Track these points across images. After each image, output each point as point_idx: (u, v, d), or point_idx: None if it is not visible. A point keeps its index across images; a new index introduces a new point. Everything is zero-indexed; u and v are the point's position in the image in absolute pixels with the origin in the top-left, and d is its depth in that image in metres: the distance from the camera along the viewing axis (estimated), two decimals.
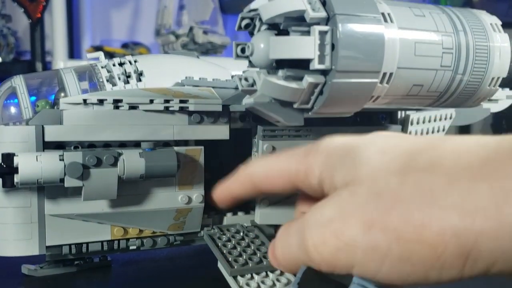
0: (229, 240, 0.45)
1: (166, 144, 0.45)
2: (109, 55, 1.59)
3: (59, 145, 0.42)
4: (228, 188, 0.35)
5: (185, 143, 0.46)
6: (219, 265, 0.42)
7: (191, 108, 0.44)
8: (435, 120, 0.58)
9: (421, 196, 0.24)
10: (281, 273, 0.41)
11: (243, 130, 0.48)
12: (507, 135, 0.25)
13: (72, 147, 0.42)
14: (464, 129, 1.68)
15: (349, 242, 0.26)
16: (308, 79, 0.35)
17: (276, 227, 0.51)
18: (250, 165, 0.35)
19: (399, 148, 0.28)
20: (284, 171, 0.33)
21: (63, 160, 0.39)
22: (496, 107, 0.69)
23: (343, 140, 0.31)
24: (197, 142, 0.46)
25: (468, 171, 0.24)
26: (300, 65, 0.36)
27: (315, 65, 0.34)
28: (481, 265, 0.24)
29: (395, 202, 0.25)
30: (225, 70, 0.52)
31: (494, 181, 0.23)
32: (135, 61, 0.48)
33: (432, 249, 0.24)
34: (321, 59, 0.34)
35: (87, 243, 0.44)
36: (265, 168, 0.34)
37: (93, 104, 0.42)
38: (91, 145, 0.43)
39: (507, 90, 0.69)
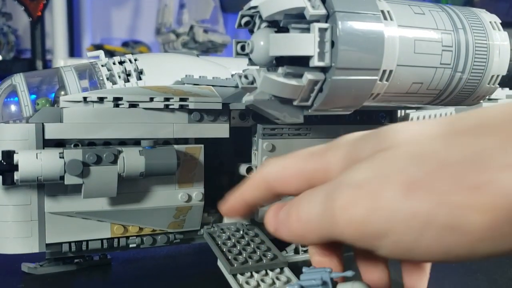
0: (229, 239, 0.45)
1: (166, 142, 0.45)
2: (110, 53, 1.59)
3: (59, 143, 0.42)
4: (241, 195, 0.32)
5: (185, 141, 0.46)
6: (219, 263, 0.42)
7: (191, 106, 0.44)
8: None
9: (473, 158, 0.22)
10: (281, 271, 0.41)
11: (243, 128, 0.48)
12: None
13: (72, 145, 0.42)
14: None
15: (386, 205, 0.23)
16: (308, 76, 0.35)
17: None
18: (264, 167, 0.32)
19: (436, 120, 0.25)
20: (301, 170, 0.30)
21: (63, 157, 0.39)
22: None
23: (363, 132, 0.28)
24: (197, 140, 0.46)
25: None
26: (300, 62, 0.36)
27: (315, 62, 0.34)
28: None
29: (443, 165, 0.22)
30: (225, 68, 0.51)
31: None
32: (135, 60, 0.48)
33: (486, 215, 0.21)
34: (321, 56, 0.34)
35: (87, 241, 0.44)
36: (280, 168, 0.31)
37: (93, 102, 0.42)
38: (91, 143, 0.43)
39: (506, 89, 0.69)
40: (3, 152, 0.39)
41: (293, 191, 0.30)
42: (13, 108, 0.44)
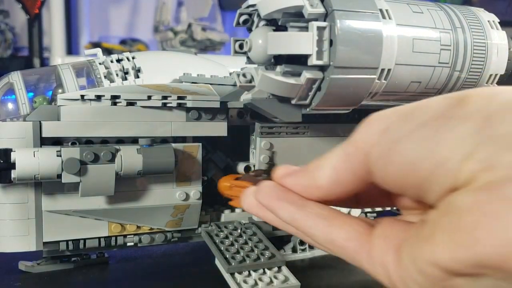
0: (226, 237, 0.45)
1: (164, 140, 0.45)
2: (107, 51, 1.59)
3: (57, 141, 0.42)
4: None
5: (183, 139, 0.46)
6: (217, 262, 0.42)
7: (189, 104, 0.44)
8: None
9: None
10: (279, 270, 0.41)
11: (241, 127, 0.48)
12: None
13: (69, 143, 0.42)
14: None
15: None
16: (306, 74, 0.35)
17: None
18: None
19: None
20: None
21: (60, 156, 0.39)
22: None
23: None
24: (195, 139, 0.46)
25: None
26: (298, 61, 0.36)
27: (313, 61, 0.34)
28: None
29: None
30: (223, 67, 0.51)
31: None
32: (133, 58, 0.48)
33: None
34: (319, 55, 0.34)
35: (85, 240, 0.44)
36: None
37: (90, 100, 0.42)
38: (88, 141, 0.43)
39: None
40: (0, 150, 0.39)
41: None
42: (10, 106, 0.44)
